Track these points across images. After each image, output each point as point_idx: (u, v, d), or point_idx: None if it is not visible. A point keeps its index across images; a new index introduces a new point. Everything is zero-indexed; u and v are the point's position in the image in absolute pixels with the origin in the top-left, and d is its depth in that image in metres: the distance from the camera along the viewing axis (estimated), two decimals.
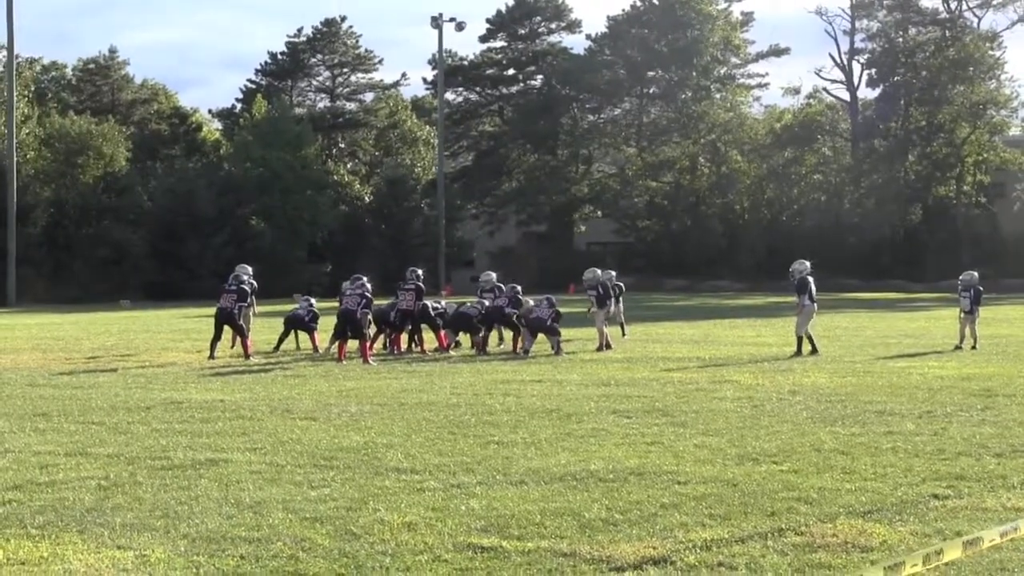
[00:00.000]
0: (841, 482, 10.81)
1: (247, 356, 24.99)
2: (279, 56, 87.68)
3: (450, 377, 20.79)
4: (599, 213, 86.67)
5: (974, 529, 8.90)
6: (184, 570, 8.08)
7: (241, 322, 25.81)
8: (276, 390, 18.86)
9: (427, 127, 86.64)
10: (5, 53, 68.24)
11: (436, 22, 76.83)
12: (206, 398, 17.67)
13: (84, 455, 12.50)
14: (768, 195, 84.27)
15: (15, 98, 65.59)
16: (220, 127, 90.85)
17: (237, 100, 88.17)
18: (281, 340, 27.40)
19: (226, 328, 25.78)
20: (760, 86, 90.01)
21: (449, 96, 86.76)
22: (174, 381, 20.48)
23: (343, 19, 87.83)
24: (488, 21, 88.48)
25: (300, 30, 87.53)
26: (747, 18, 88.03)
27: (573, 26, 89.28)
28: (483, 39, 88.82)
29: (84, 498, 10.31)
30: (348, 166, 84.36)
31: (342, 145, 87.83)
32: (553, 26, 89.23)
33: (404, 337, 27.10)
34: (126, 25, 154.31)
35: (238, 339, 26.05)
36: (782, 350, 25.51)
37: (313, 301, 28.48)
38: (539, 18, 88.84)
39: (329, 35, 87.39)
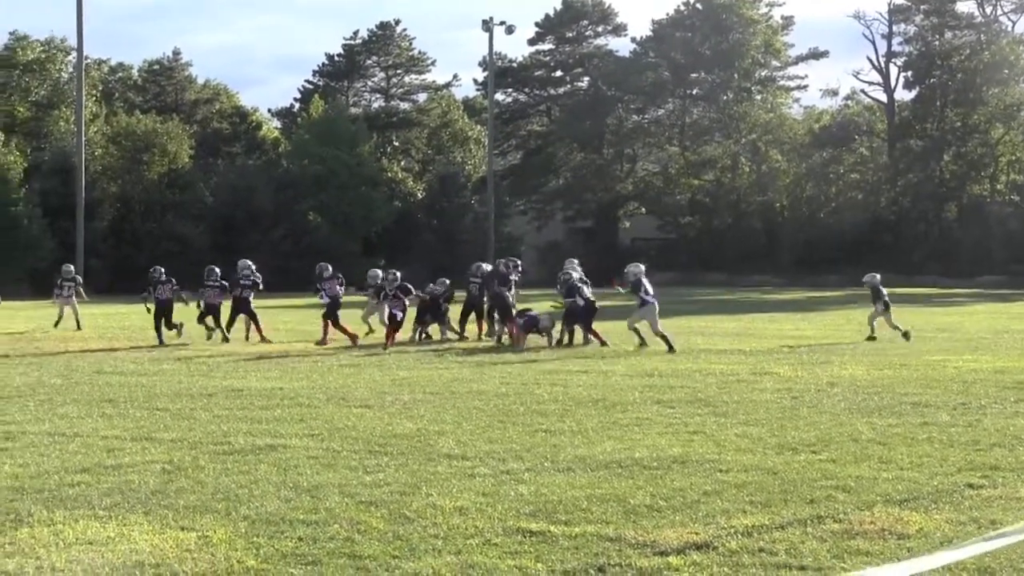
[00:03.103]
0: (878, 471, 10.88)
1: (262, 339, 27.62)
2: (336, 58, 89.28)
3: (499, 368, 20.98)
4: (643, 210, 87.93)
5: (1008, 518, 9.01)
6: (245, 551, 8.24)
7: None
8: (332, 379, 19.11)
9: (477, 126, 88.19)
10: (75, 55, 70.18)
11: (487, 25, 77.48)
12: (265, 386, 17.93)
13: (149, 440, 12.82)
14: (807, 193, 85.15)
15: (84, 97, 67.20)
16: (279, 126, 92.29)
17: (295, 100, 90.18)
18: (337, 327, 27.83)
19: (242, 318, 28.47)
20: (799, 88, 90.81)
21: (499, 97, 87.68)
22: (234, 369, 20.87)
23: (397, 22, 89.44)
24: (537, 24, 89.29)
25: (356, 32, 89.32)
26: (787, 22, 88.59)
27: (619, 29, 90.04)
28: (532, 42, 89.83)
29: (149, 481, 10.56)
30: (401, 164, 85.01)
31: (396, 143, 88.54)
32: (599, 29, 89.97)
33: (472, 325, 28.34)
34: (189, 28, 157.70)
35: (252, 327, 28.51)
36: (820, 343, 25.30)
37: (447, 282, 29.27)
38: (586, 22, 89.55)
39: (384, 38, 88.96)
